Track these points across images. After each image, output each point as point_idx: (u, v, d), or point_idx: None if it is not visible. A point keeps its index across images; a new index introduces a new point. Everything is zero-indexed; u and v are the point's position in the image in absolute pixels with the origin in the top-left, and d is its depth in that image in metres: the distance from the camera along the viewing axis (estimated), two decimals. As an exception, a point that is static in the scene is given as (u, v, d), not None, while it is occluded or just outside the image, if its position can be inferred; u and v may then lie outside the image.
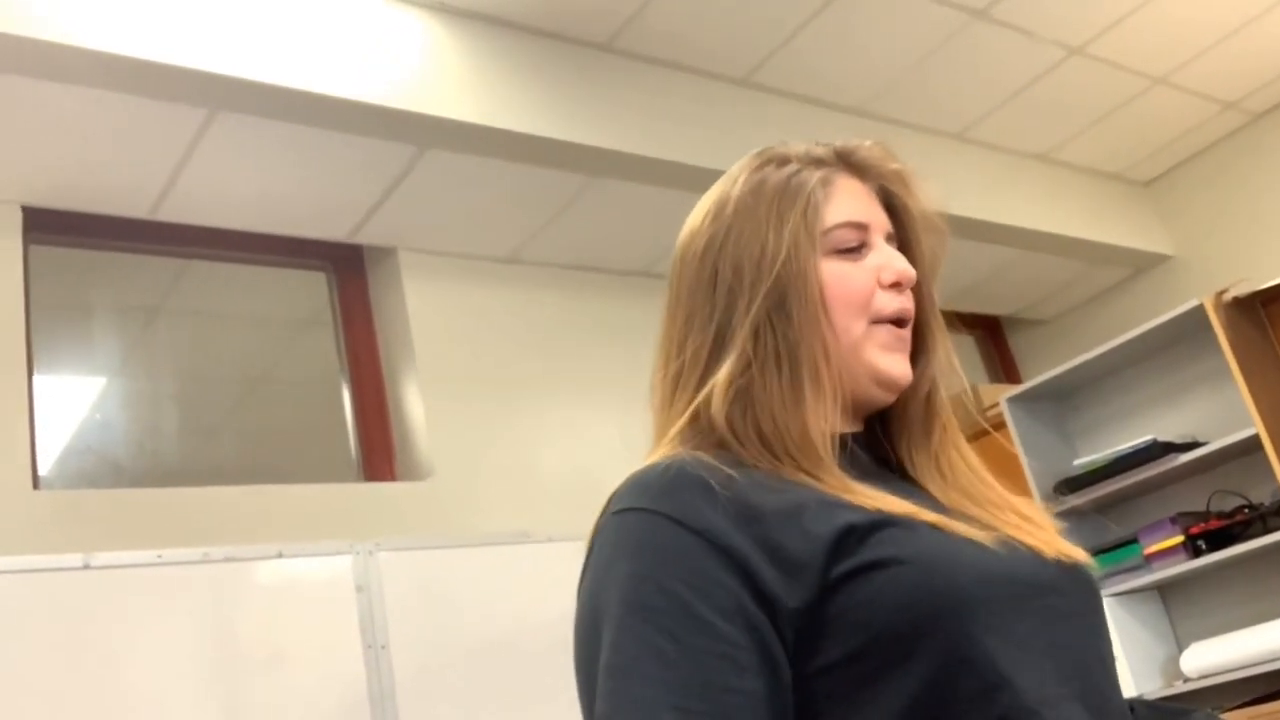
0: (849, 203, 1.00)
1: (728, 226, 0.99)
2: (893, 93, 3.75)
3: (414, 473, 3.28)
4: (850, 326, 0.96)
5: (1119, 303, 4.76)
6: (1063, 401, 4.18)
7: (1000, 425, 3.98)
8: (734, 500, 0.86)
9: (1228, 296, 3.58)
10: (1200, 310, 3.55)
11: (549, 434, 3.48)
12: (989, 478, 1.01)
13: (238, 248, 3.29)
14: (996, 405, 4.01)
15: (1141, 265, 4.67)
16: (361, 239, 3.40)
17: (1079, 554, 0.94)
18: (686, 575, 0.83)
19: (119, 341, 3.30)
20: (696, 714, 0.79)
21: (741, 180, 1.02)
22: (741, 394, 0.93)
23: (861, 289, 0.97)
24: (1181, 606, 3.86)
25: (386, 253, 3.50)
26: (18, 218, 2.92)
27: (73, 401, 3.12)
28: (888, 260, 0.99)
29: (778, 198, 0.99)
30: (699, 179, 3.59)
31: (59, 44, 2.39)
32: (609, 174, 3.31)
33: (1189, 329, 3.68)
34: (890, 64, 3.62)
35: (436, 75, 2.95)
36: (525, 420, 3.46)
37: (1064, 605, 0.88)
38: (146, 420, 3.23)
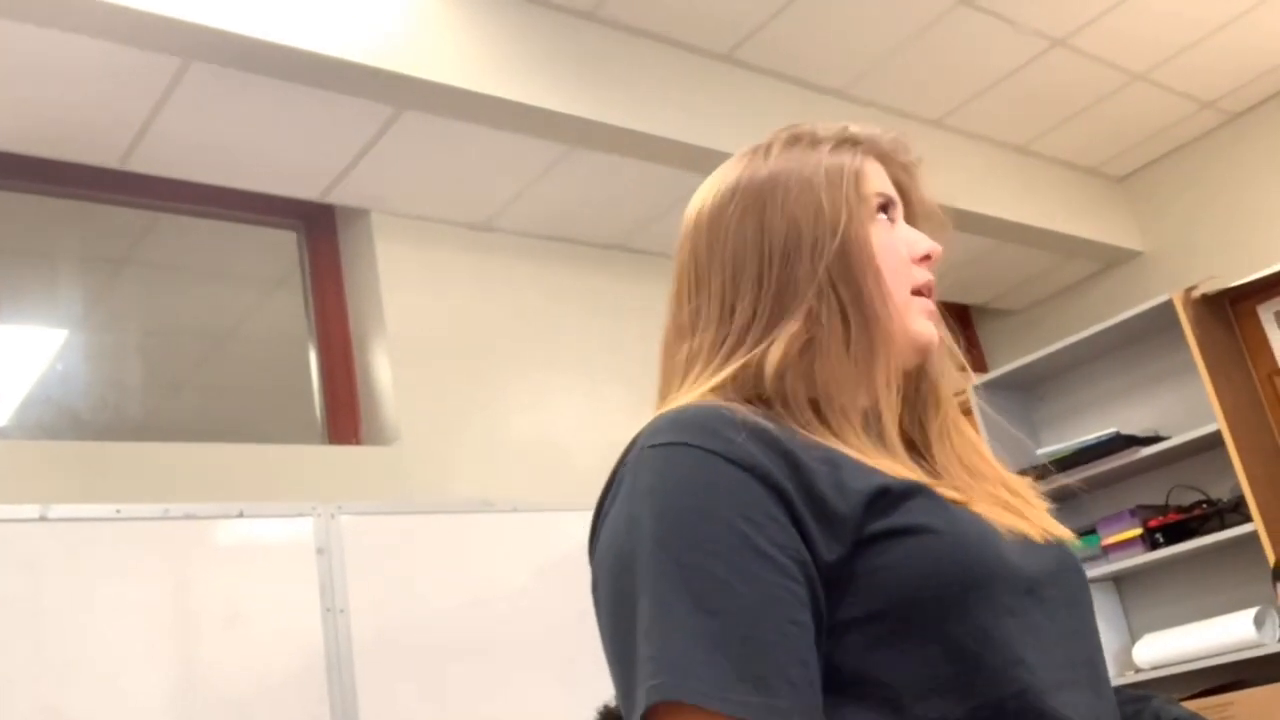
0: (882, 180, 1.03)
1: (772, 190, 0.99)
2: (874, 76, 3.74)
3: (379, 437, 3.26)
4: (898, 293, 0.99)
5: (1088, 296, 4.78)
6: (1029, 391, 4.21)
7: (966, 412, 4.00)
8: (775, 445, 0.85)
9: (1196, 293, 3.62)
10: (1169, 306, 3.58)
11: (517, 404, 3.47)
12: (986, 453, 1.04)
13: (208, 202, 3.24)
14: (963, 393, 4.04)
15: (1112, 260, 4.69)
16: (334, 199, 3.36)
17: (1066, 533, 0.97)
18: (742, 509, 0.81)
19: (83, 292, 3.25)
20: (768, 645, 0.77)
21: (775, 153, 1.02)
22: (806, 349, 0.94)
23: (905, 258, 1.01)
24: (1137, 598, 3.91)
25: (359, 214, 3.46)
26: (-17, 162, 2.86)
27: (34, 351, 3.08)
28: (917, 236, 1.03)
29: (825, 166, 1.00)
30: (678, 153, 3.59)
31: (31, -15, 2.35)
32: (587, 144, 3.28)
33: (1157, 324, 3.71)
34: (873, 47, 3.61)
35: (417, 36, 2.91)
36: (493, 389, 3.44)
37: (1065, 595, 0.91)
38: (109, 373, 3.19)
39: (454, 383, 3.37)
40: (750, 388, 0.93)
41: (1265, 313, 3.74)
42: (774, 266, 0.96)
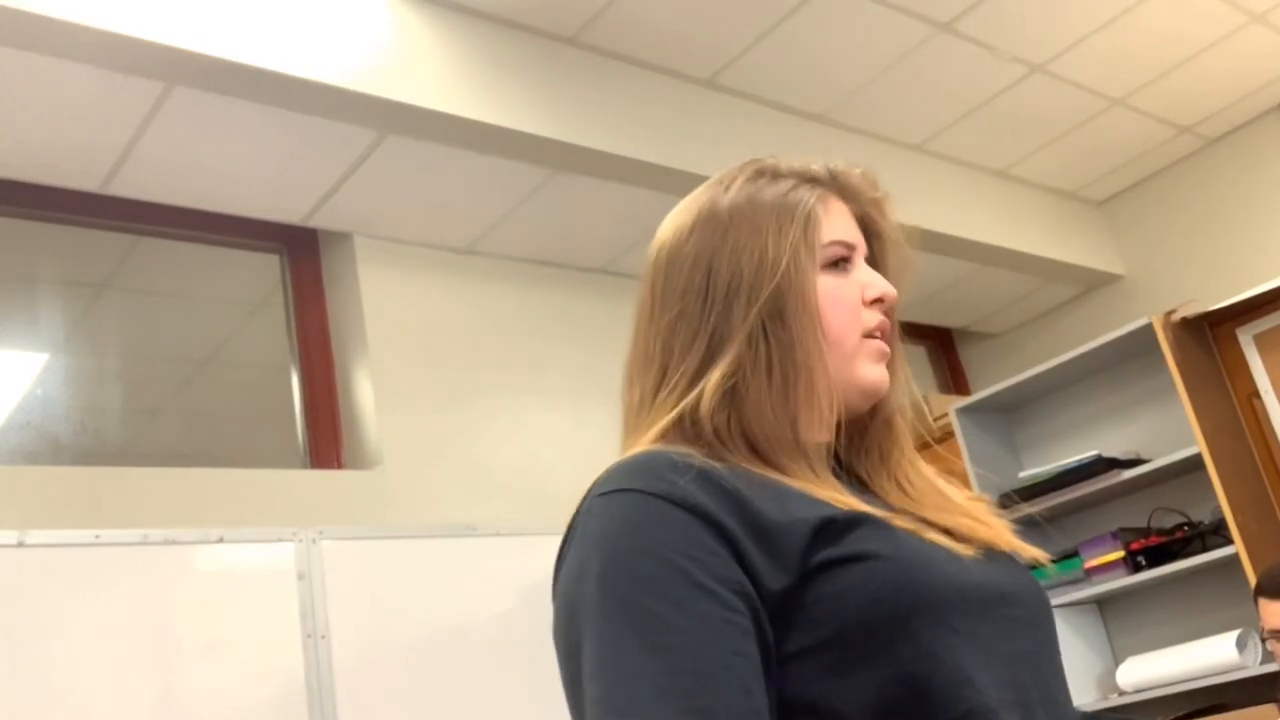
0: (841, 223, 1.03)
1: (724, 231, 1.00)
2: (855, 101, 3.77)
3: (361, 461, 3.25)
4: (844, 339, 0.99)
5: (1069, 319, 4.81)
6: (1010, 414, 4.22)
7: (949, 435, 4.01)
8: (718, 485, 0.87)
9: (1176, 317, 3.64)
10: (1149, 329, 3.60)
11: (499, 428, 3.46)
12: (944, 487, 1.04)
13: (190, 226, 3.24)
14: (945, 415, 4.05)
15: (1092, 283, 4.72)
16: (317, 222, 3.36)
17: (1035, 553, 0.99)
18: (683, 546, 0.83)
19: (64, 316, 3.24)
20: (710, 677, 0.78)
21: (736, 188, 1.03)
22: (730, 395, 0.95)
23: (852, 303, 1.01)
24: (1119, 620, 3.91)
25: (342, 237, 3.46)
26: (-37, 186, 2.85)
27: (14, 376, 3.06)
28: (871, 279, 1.03)
29: (777, 208, 1.01)
30: (660, 178, 3.60)
31: (13, 9, 2.34)
32: (571, 169, 3.29)
33: (1137, 347, 3.73)
34: (853, 73, 3.63)
35: (401, 60, 2.92)
36: (476, 413, 3.43)
37: (1023, 615, 0.92)
38: (89, 398, 3.17)
39: (436, 406, 3.36)
40: (691, 431, 0.95)
41: (1244, 335, 3.77)
42: (713, 311, 0.98)
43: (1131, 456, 3.75)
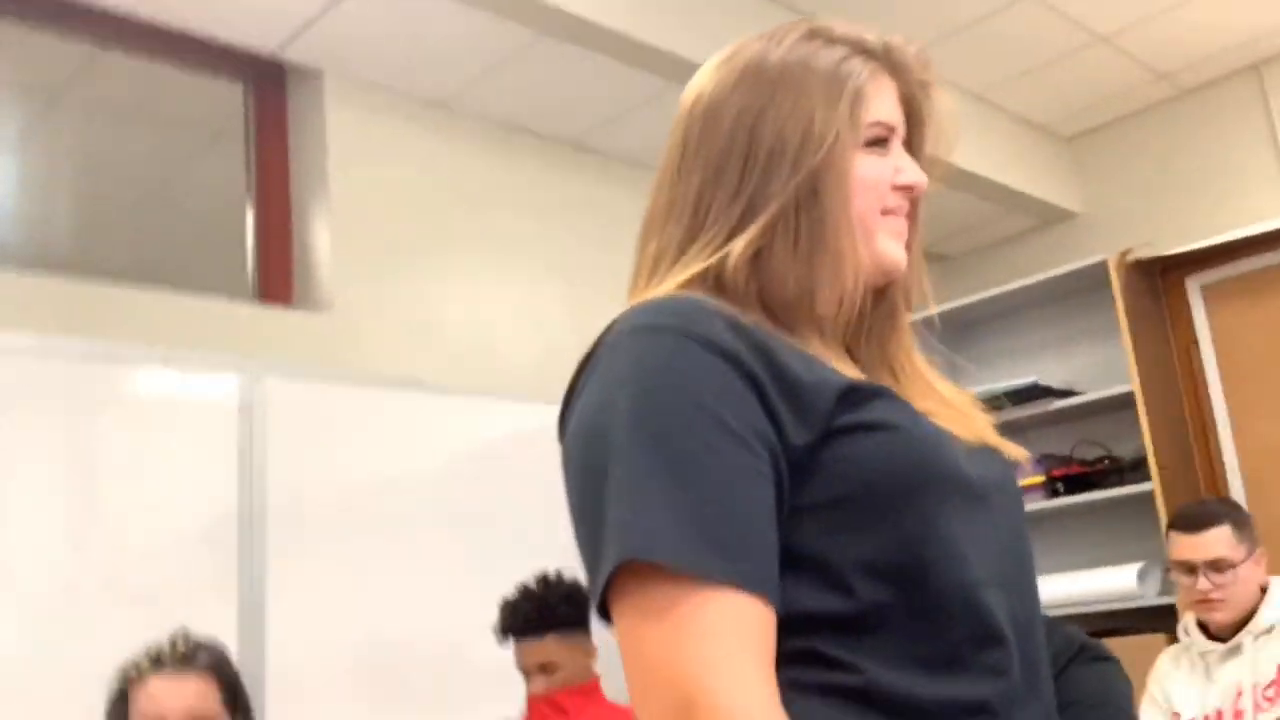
0: (887, 103, 1.02)
1: (771, 92, 0.99)
2: (843, 11, 3.71)
3: (312, 303, 3.22)
4: (867, 215, 0.99)
5: (1022, 251, 4.85)
6: (957, 335, 4.29)
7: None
8: (748, 336, 0.89)
9: (1131, 257, 3.70)
10: (1103, 267, 3.67)
11: (453, 288, 3.44)
12: (934, 380, 1.06)
13: (154, 42, 3.13)
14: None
15: (1049, 217, 4.76)
16: (289, 55, 3.27)
17: (1012, 449, 1.03)
18: (716, 390, 0.85)
19: (17, 120, 3.13)
20: (736, 516, 0.82)
21: (787, 46, 1.01)
22: (754, 261, 0.95)
23: (881, 183, 1.01)
24: (1032, 542, 4.05)
25: (312, 74, 3.37)
26: (-78, -33, 2.73)
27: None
28: (905, 164, 1.03)
29: (828, 77, 0.99)
30: (648, 57, 3.50)
31: None
32: (559, 34, 3.22)
33: (1088, 284, 3.81)
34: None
35: (394, -105, 2.82)
36: (431, 270, 3.41)
37: (1006, 505, 0.97)
38: (38, 205, 3.09)
39: (393, 258, 3.33)
40: (712, 289, 0.95)
41: (1192, 285, 3.85)
42: (752, 176, 0.97)
43: (1066, 387, 3.84)
